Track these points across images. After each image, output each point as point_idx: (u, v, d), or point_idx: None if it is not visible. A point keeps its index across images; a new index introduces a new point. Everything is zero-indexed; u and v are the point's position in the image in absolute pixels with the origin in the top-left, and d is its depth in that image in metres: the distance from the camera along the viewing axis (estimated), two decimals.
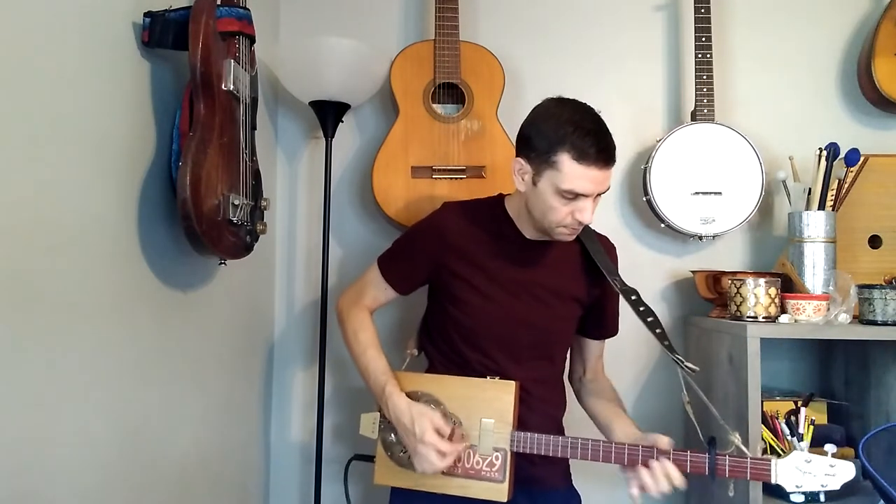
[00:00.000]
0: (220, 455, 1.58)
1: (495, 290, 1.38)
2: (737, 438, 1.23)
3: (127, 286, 1.17)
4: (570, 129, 1.24)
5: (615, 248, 1.52)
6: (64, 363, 1.00)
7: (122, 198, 1.15)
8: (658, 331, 1.33)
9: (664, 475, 1.20)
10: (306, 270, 1.98)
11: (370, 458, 1.42)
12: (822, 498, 1.29)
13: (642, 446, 1.24)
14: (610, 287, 1.42)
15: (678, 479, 1.20)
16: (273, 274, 1.97)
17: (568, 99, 1.32)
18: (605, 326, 1.53)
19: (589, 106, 1.30)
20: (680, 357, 1.30)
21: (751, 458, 1.20)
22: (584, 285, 1.44)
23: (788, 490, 1.20)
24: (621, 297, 1.40)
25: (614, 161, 1.28)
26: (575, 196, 1.26)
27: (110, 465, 1.12)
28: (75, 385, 1.03)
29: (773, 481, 1.20)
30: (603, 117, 1.29)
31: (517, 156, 1.33)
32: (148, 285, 1.24)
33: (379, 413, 1.39)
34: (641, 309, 1.36)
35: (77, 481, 1.03)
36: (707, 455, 1.21)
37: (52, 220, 0.97)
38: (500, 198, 1.45)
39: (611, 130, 1.96)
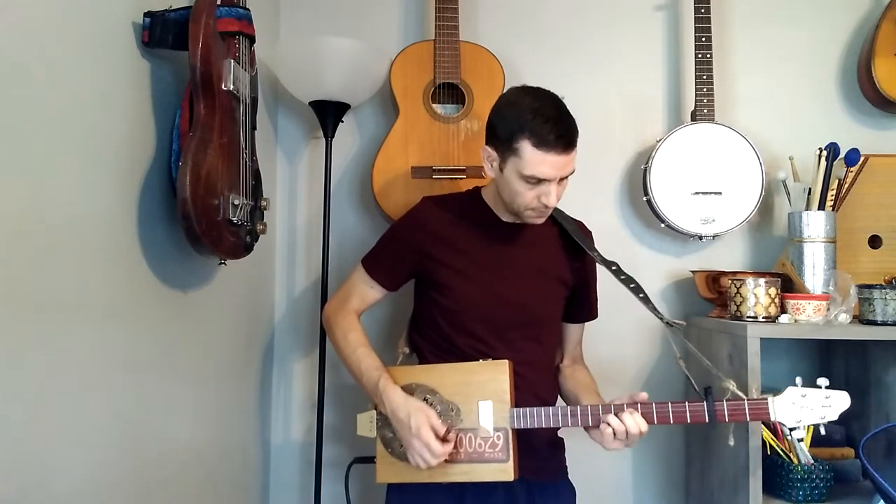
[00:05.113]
0: (219, 455, 1.58)
1: (478, 271, 1.41)
2: (732, 385, 1.27)
3: (127, 286, 1.17)
4: (529, 116, 1.28)
5: (591, 232, 1.55)
6: (64, 363, 1.00)
7: (122, 198, 1.15)
8: (641, 295, 1.41)
9: (623, 430, 1.24)
10: (306, 270, 1.98)
11: (370, 460, 1.41)
12: (822, 431, 1.30)
13: (640, 403, 1.27)
14: (590, 266, 1.51)
15: (636, 430, 1.24)
16: (273, 274, 1.97)
17: (531, 87, 1.36)
18: (589, 309, 1.56)
19: (551, 93, 1.34)
20: (667, 318, 1.38)
21: (748, 400, 1.24)
22: (566, 264, 1.48)
23: (790, 426, 1.23)
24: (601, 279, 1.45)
25: (574, 146, 1.31)
26: (538, 181, 1.30)
27: (110, 465, 1.12)
28: (75, 384, 1.03)
29: (772, 419, 1.23)
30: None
31: (485, 144, 1.38)
32: (148, 285, 1.24)
33: (375, 410, 1.40)
34: (623, 277, 1.43)
35: (77, 480, 1.03)
36: (704, 402, 1.24)
37: (52, 220, 0.97)
38: (476, 189, 1.51)
39: (611, 130, 1.99)
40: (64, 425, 1.00)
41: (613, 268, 1.44)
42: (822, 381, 1.24)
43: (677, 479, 1.93)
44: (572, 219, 1.52)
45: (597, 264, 1.50)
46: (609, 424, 1.25)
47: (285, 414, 1.97)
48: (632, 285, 1.42)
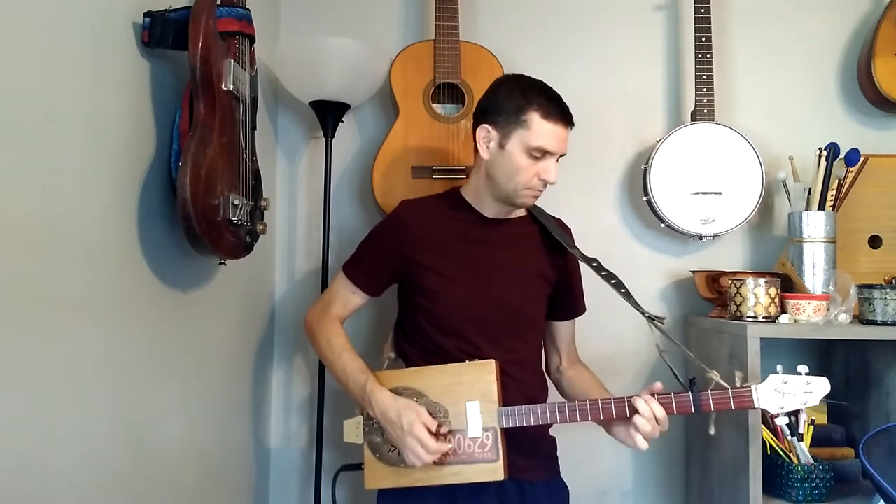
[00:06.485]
0: (218, 456, 1.58)
1: (461, 272, 1.42)
2: (715, 375, 1.30)
3: (127, 286, 1.17)
4: (535, 91, 1.36)
5: (570, 229, 1.56)
6: (64, 363, 1.00)
7: (122, 198, 1.15)
8: (622, 290, 1.42)
9: (651, 413, 1.25)
10: (306, 270, 1.98)
11: (358, 467, 1.40)
12: (804, 416, 1.40)
13: (627, 397, 1.28)
14: (573, 262, 1.52)
15: (661, 414, 1.26)
16: (273, 274, 1.97)
17: (523, 74, 1.44)
18: (575, 304, 1.57)
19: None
20: (649, 312, 1.40)
21: (732, 389, 1.27)
22: (547, 261, 1.48)
23: (773, 412, 1.27)
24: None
25: (573, 124, 1.39)
26: (542, 154, 1.34)
27: (110, 465, 1.12)
28: (75, 385, 1.03)
29: (756, 406, 1.26)
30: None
31: (482, 124, 1.40)
32: (148, 285, 1.24)
33: (362, 416, 1.39)
34: (603, 273, 1.44)
35: (78, 481, 1.03)
36: (690, 393, 1.26)
37: (52, 220, 0.97)
38: (455, 189, 1.52)
39: (611, 130, 1.99)
40: (63, 425, 1.00)
41: (594, 264, 1.44)
42: (802, 368, 1.28)
43: (677, 478, 1.93)
44: (551, 216, 1.53)
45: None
46: (640, 413, 1.25)
47: (285, 416, 1.97)
48: (613, 281, 1.42)
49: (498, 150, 1.37)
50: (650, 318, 1.39)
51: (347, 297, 1.49)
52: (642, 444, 1.26)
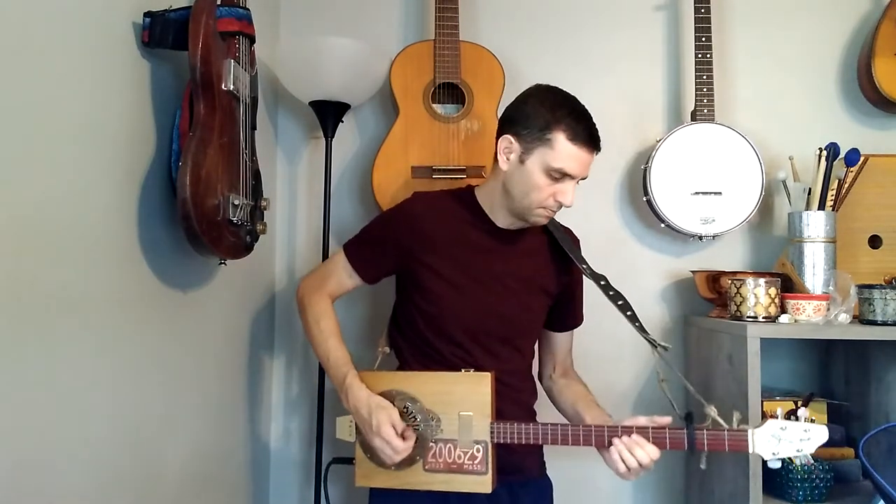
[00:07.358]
0: (219, 455, 1.58)
1: (465, 279, 1.39)
2: (713, 412, 1.25)
3: (127, 286, 1.17)
4: (566, 110, 1.30)
5: (579, 240, 1.53)
6: (64, 363, 1.00)
7: (122, 198, 1.16)
8: (629, 313, 1.39)
9: (635, 445, 1.22)
10: (306, 271, 1.98)
11: (349, 461, 1.41)
12: (801, 462, 1.42)
13: (622, 426, 1.25)
14: (577, 275, 1.49)
15: (650, 451, 1.22)
16: (273, 274, 1.97)
17: (556, 87, 1.37)
18: (574, 316, 1.55)
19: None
20: (653, 338, 1.36)
21: (728, 430, 1.22)
22: (554, 275, 1.46)
23: (766, 458, 1.22)
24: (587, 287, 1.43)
25: (600, 149, 1.34)
26: (561, 176, 1.30)
27: (110, 465, 1.12)
28: (75, 385, 1.03)
29: (750, 451, 1.21)
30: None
31: (505, 134, 1.35)
32: (148, 285, 1.24)
33: None
34: (611, 293, 1.41)
35: (77, 481, 1.03)
36: (685, 430, 1.22)
37: (52, 220, 0.97)
38: (470, 188, 1.47)
39: (611, 130, 1.99)
40: (63, 425, 1.00)
41: (602, 282, 1.41)
42: (802, 413, 1.24)
43: (677, 478, 1.93)
44: (562, 226, 1.50)
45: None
46: (618, 449, 1.22)
47: (285, 415, 1.97)
48: (620, 302, 1.39)
49: (518, 164, 1.32)
50: (654, 345, 1.35)
51: (343, 278, 1.47)
52: (622, 468, 1.24)
